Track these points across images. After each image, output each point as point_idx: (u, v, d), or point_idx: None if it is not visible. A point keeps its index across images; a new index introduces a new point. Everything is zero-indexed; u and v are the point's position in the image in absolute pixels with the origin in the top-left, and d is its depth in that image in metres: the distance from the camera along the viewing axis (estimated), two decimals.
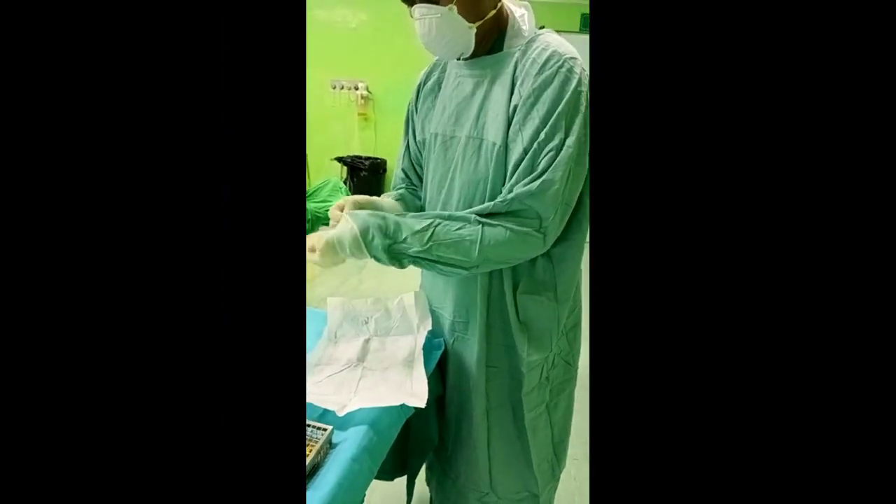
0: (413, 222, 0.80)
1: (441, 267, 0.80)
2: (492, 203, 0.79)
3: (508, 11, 0.86)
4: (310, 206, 2.28)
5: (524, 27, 0.85)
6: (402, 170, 1.07)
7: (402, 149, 1.06)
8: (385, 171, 4.17)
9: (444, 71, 0.95)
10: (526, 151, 0.78)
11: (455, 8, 0.78)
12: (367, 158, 4.16)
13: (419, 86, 0.99)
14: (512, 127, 0.80)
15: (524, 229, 0.78)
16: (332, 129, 4.34)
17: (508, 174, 0.80)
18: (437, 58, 0.96)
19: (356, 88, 4.14)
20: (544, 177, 0.76)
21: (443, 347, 0.99)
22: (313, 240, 0.81)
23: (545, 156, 0.76)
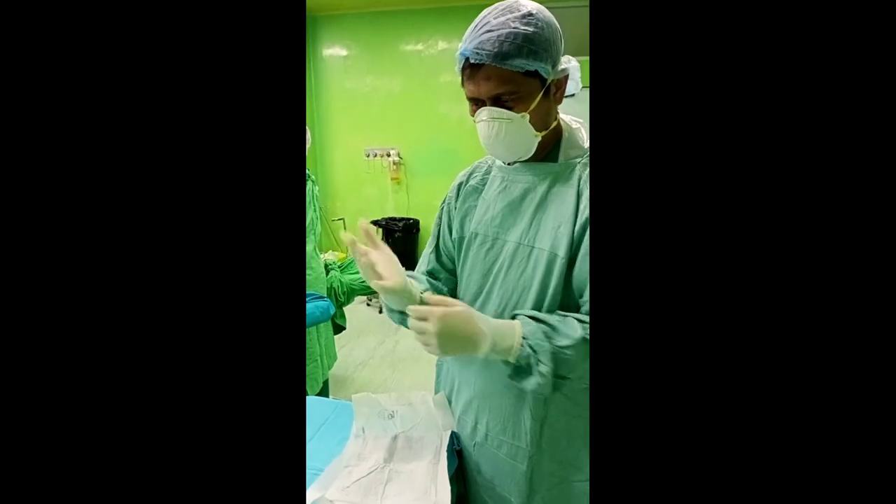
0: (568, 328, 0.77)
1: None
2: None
3: (564, 123, 0.88)
4: (345, 278, 2.36)
5: (582, 140, 0.87)
6: (429, 272, 1.01)
7: (428, 249, 1.04)
8: (418, 230, 4.27)
9: (487, 172, 0.96)
10: None
11: (528, 116, 0.80)
12: (401, 220, 4.29)
13: (460, 185, 0.99)
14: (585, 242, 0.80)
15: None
16: (366, 194, 4.52)
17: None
18: (488, 158, 0.96)
19: (388, 155, 4.33)
20: None
21: (456, 459, 0.98)
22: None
23: None
